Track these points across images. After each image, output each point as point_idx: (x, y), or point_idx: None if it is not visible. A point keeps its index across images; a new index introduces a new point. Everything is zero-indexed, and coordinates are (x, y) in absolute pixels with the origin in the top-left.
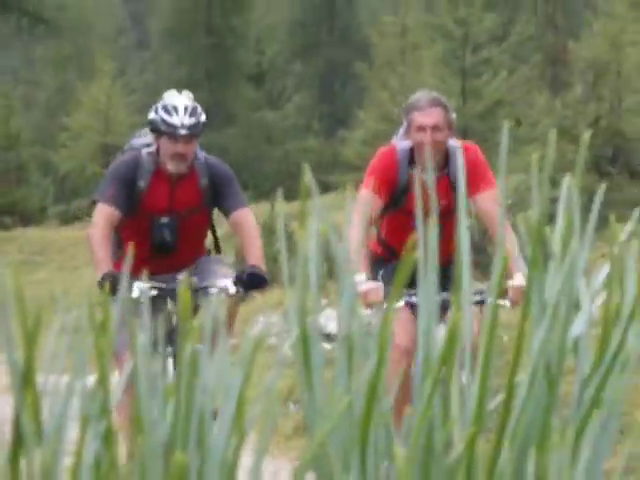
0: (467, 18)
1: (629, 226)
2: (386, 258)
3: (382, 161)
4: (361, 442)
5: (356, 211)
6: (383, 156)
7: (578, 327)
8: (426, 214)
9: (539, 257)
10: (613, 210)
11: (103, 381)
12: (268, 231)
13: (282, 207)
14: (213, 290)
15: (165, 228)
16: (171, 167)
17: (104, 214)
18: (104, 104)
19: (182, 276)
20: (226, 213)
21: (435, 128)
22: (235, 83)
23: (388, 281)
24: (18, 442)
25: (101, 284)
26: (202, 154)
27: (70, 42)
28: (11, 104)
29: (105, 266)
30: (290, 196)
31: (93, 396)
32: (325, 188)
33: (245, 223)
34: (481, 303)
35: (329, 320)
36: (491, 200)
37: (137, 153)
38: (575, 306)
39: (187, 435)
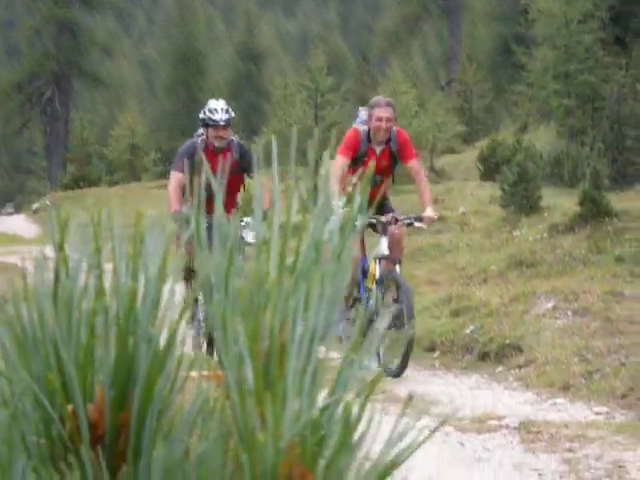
0: None
1: None
2: None
3: (350, 138)
4: None
5: (334, 168)
6: (351, 135)
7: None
8: (375, 172)
9: None
10: None
11: None
12: None
13: None
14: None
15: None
16: (217, 144)
17: (176, 179)
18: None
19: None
20: (252, 178)
21: (388, 120)
22: None
23: None
24: None
25: (173, 217)
26: (236, 139)
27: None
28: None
29: (174, 207)
30: None
31: None
32: None
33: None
34: (410, 224)
35: None
36: (417, 166)
37: (194, 140)
38: None
39: None
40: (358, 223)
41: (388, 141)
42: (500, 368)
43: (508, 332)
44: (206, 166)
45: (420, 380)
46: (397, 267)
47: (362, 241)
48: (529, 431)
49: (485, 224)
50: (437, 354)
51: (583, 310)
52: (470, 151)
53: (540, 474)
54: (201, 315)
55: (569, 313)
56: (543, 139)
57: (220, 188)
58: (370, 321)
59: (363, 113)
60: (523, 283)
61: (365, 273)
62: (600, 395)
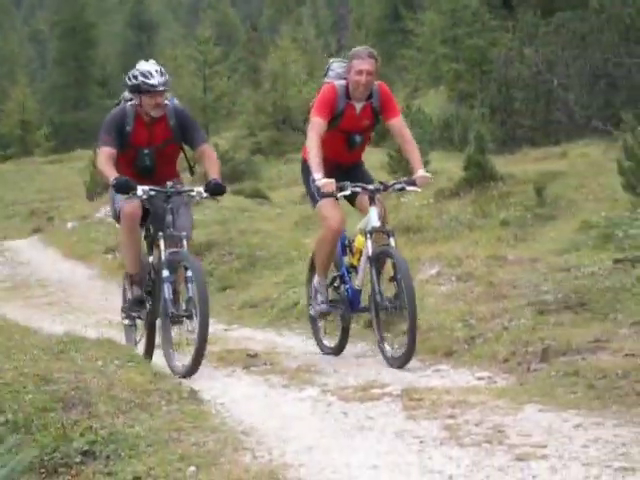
0: None
1: None
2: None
3: (326, 95)
4: None
5: (313, 131)
6: (326, 91)
7: None
8: (352, 131)
9: None
10: None
11: None
12: None
13: None
14: (192, 192)
15: (146, 156)
16: (154, 114)
17: (105, 153)
18: None
19: (169, 183)
20: (191, 146)
21: (369, 72)
22: None
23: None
24: None
25: (115, 183)
26: (172, 102)
27: None
28: None
29: (113, 174)
30: None
31: None
32: None
33: (207, 153)
34: (401, 190)
35: None
36: (401, 124)
37: (123, 106)
38: None
39: None
40: (345, 193)
41: (369, 97)
42: (385, 335)
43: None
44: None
45: (306, 350)
46: (392, 240)
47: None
48: (411, 398)
49: None
50: (322, 323)
51: (467, 275)
52: None
53: (421, 441)
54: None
55: (453, 279)
56: (433, 103)
57: (154, 162)
58: (375, 307)
59: (336, 65)
60: (410, 249)
61: (344, 248)
62: (482, 360)
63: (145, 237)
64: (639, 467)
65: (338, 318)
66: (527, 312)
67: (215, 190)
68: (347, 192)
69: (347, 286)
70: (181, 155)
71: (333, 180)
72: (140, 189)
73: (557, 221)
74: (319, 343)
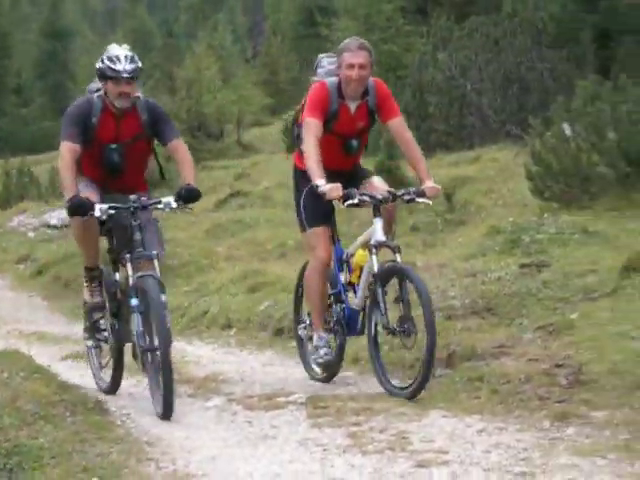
0: None
1: None
2: None
3: (317, 94)
4: None
5: (309, 134)
6: (317, 90)
7: None
8: (347, 135)
9: None
10: None
11: None
12: None
13: None
14: (159, 205)
15: (114, 153)
16: (118, 104)
17: (67, 149)
18: None
19: (133, 196)
20: (164, 143)
21: (361, 66)
22: None
23: (315, 191)
24: None
25: (69, 206)
26: (143, 96)
27: None
28: None
29: (71, 191)
30: None
31: None
32: None
33: (179, 150)
34: (410, 201)
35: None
36: (402, 126)
37: (89, 97)
38: None
39: None
40: (349, 203)
41: (364, 95)
42: (293, 343)
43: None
44: (104, 133)
45: (215, 359)
46: (398, 257)
47: (333, 226)
48: (316, 406)
49: (287, 197)
50: (233, 331)
51: None
52: (278, 123)
53: (325, 449)
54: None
55: None
56: None
57: (122, 161)
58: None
59: (326, 61)
60: None
61: (341, 264)
62: (389, 366)
63: (108, 250)
64: (539, 472)
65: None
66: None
67: (188, 197)
68: (354, 201)
69: (343, 306)
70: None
71: (340, 185)
72: (98, 209)
73: (466, 226)
74: (307, 367)
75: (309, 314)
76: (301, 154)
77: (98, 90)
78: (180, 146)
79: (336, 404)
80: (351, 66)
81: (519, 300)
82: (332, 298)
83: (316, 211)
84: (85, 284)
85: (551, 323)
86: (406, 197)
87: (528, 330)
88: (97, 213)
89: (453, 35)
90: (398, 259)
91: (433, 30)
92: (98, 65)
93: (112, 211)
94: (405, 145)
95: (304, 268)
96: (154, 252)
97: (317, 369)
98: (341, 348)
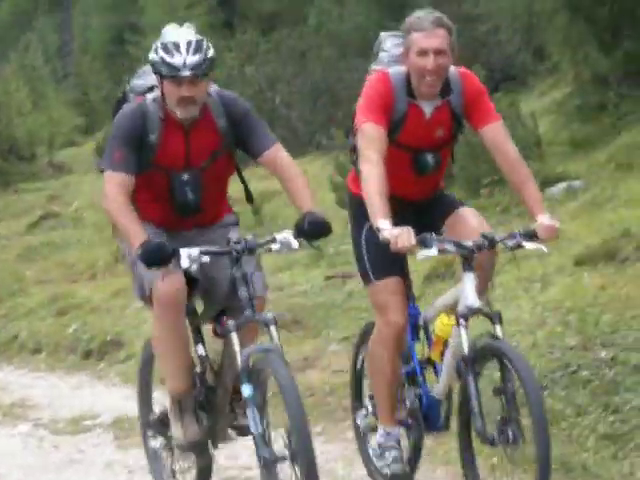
0: None
1: None
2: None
3: (376, 89)
4: None
5: (368, 148)
6: (377, 84)
7: None
8: (419, 148)
9: None
10: None
11: None
12: None
13: None
14: (275, 246)
15: (186, 186)
16: (180, 113)
17: (116, 183)
18: None
19: (234, 235)
20: (255, 154)
21: (439, 52)
22: None
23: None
24: None
25: (142, 253)
26: (215, 90)
27: None
28: None
29: (141, 236)
30: None
31: None
32: None
33: (281, 161)
34: (517, 247)
35: None
36: (501, 134)
37: (141, 101)
38: None
39: None
40: (424, 256)
41: (445, 92)
42: (102, 365)
43: (109, 328)
44: (168, 158)
45: (24, 384)
46: (498, 329)
47: (406, 278)
48: (122, 428)
49: (98, 219)
50: (43, 356)
51: None
52: (91, 143)
53: (130, 471)
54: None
55: None
56: None
57: (199, 194)
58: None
59: (390, 42)
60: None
61: (416, 331)
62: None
63: (190, 322)
64: None
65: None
66: None
67: (314, 231)
68: (433, 252)
69: (420, 391)
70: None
71: (410, 230)
72: (185, 256)
73: None
74: (371, 471)
75: (372, 398)
76: (358, 174)
77: (150, 90)
78: (281, 155)
79: None
80: (424, 52)
81: (325, 312)
82: (404, 378)
83: (385, 255)
84: (175, 420)
85: (355, 334)
86: (510, 243)
87: (333, 341)
88: (185, 263)
89: (259, 49)
90: (499, 333)
91: (239, 44)
92: (151, 56)
93: (206, 258)
94: (504, 159)
95: (365, 333)
96: (270, 315)
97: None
98: (416, 449)
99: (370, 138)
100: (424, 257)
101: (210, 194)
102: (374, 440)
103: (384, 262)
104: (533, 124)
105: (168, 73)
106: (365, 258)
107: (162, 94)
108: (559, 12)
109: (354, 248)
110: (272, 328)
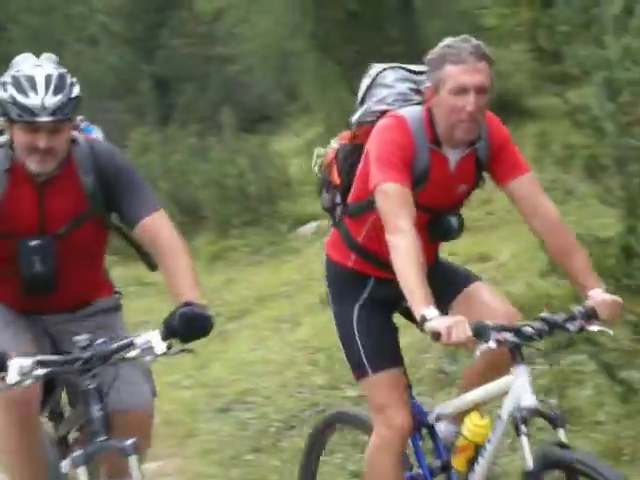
0: None
1: None
2: (374, 274)
3: (395, 140)
4: None
5: (395, 215)
6: (394, 132)
7: None
8: (441, 208)
9: None
10: None
11: None
12: None
13: None
14: (132, 353)
15: (35, 255)
16: (33, 167)
17: None
18: None
19: (82, 338)
20: (130, 222)
21: (481, 90)
22: None
23: (374, 307)
24: None
25: None
26: (84, 139)
27: None
28: None
29: None
30: None
31: None
32: None
33: (161, 234)
34: (580, 331)
35: None
36: (535, 188)
37: None
38: None
39: None
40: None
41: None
42: None
43: None
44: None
45: None
46: (562, 433)
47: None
48: None
49: None
50: None
51: None
52: None
53: None
54: None
55: None
56: None
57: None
58: None
59: (392, 76)
60: None
61: (419, 430)
62: None
63: (51, 416)
64: None
65: None
66: None
67: (188, 331)
68: (492, 345)
69: None
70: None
71: (464, 320)
72: (15, 368)
73: None
74: None
75: None
76: (340, 239)
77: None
78: (161, 226)
79: None
80: (463, 90)
81: None
82: None
83: (383, 340)
84: None
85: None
86: (572, 327)
87: None
88: (12, 377)
89: None
90: (563, 439)
91: None
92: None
93: (41, 370)
94: (543, 221)
95: (328, 424)
96: (129, 442)
97: None
98: None
99: (396, 202)
100: (483, 351)
101: (70, 268)
102: None
103: (382, 349)
104: (283, 165)
105: (20, 118)
106: (359, 344)
107: (11, 142)
108: (309, 53)
109: (340, 330)
110: (132, 460)
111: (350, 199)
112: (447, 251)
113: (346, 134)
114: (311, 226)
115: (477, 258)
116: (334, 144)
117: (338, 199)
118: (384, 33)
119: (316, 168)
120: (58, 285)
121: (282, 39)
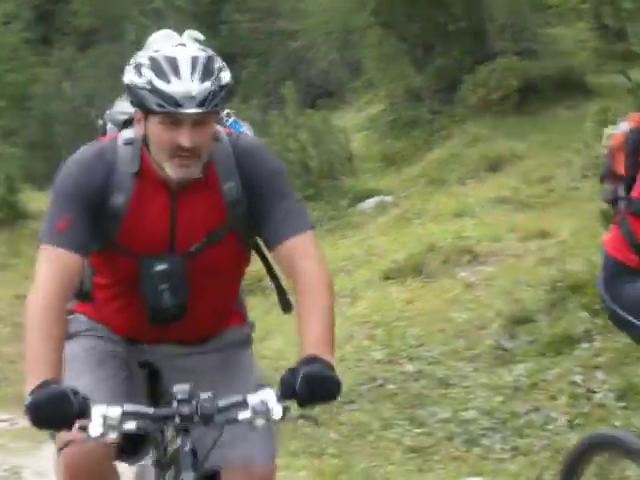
0: None
1: None
2: None
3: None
4: None
5: None
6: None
7: None
8: None
9: None
10: None
11: None
12: None
13: None
14: (244, 414)
15: (163, 283)
16: (174, 172)
17: (51, 265)
18: None
19: (182, 388)
20: (269, 241)
21: None
22: None
23: None
24: None
25: (32, 410)
26: (226, 134)
27: None
28: None
29: (42, 372)
30: None
31: None
32: None
33: (303, 263)
34: None
35: None
36: None
37: (108, 143)
38: None
39: None
40: None
41: None
42: None
43: None
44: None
45: None
46: None
47: None
48: None
49: None
50: None
51: None
52: None
53: None
54: None
55: None
56: None
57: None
58: None
59: None
60: None
61: None
62: (4, 402)
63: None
64: None
65: None
66: None
67: (313, 395)
68: None
69: None
70: None
71: None
72: (98, 418)
73: None
74: None
75: None
76: (621, 237)
77: (127, 123)
78: (306, 252)
79: None
80: None
81: None
82: None
83: None
84: None
85: None
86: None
87: None
88: (95, 429)
89: (77, 65)
90: None
91: (57, 60)
92: (129, 78)
93: (131, 424)
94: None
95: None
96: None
97: None
98: None
99: None
100: None
101: (203, 291)
102: None
103: None
104: (345, 140)
105: (162, 108)
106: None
107: (144, 137)
108: (372, 29)
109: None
110: None
111: (634, 194)
112: (507, 228)
113: (638, 115)
114: (372, 202)
115: (537, 235)
116: (623, 126)
117: (621, 192)
118: (448, 9)
119: (604, 151)
120: (189, 313)
121: (345, 15)
